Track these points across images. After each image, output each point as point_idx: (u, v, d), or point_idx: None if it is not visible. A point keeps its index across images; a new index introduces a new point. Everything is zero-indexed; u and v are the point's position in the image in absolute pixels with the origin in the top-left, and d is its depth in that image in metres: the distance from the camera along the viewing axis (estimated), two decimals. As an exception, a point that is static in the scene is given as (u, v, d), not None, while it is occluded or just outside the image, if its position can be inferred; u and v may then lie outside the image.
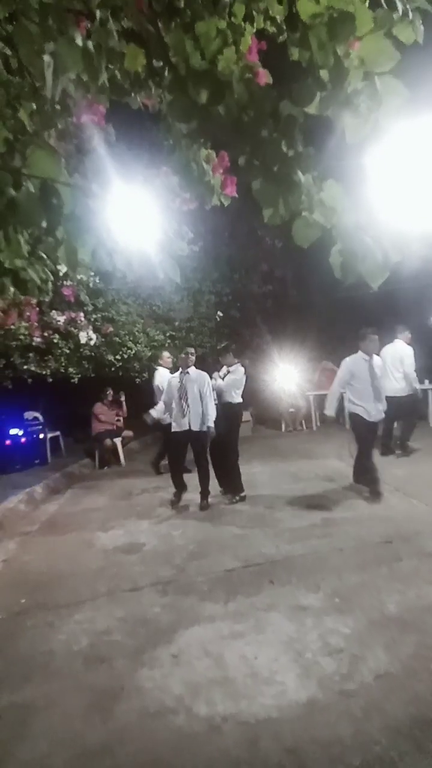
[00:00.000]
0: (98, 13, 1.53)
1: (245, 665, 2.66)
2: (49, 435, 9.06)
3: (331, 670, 2.55)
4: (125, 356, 8.59)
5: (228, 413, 5.90)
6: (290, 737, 2.13)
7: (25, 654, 2.96)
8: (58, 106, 2.35)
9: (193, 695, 2.46)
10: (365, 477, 5.60)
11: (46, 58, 1.46)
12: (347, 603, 3.19)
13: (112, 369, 8.63)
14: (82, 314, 7.47)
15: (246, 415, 8.41)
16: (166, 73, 1.91)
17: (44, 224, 1.62)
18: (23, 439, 8.34)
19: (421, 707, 2.22)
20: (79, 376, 8.02)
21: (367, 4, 1.69)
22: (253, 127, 1.59)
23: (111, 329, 8.14)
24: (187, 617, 3.20)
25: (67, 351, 7.52)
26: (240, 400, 6.08)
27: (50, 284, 2.92)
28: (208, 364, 8.39)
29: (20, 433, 8.33)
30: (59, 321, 7.15)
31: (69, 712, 2.41)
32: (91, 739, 2.23)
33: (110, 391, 9.14)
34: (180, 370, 5.93)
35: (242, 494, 5.90)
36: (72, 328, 7.39)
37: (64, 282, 6.41)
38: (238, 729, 2.21)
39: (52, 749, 2.19)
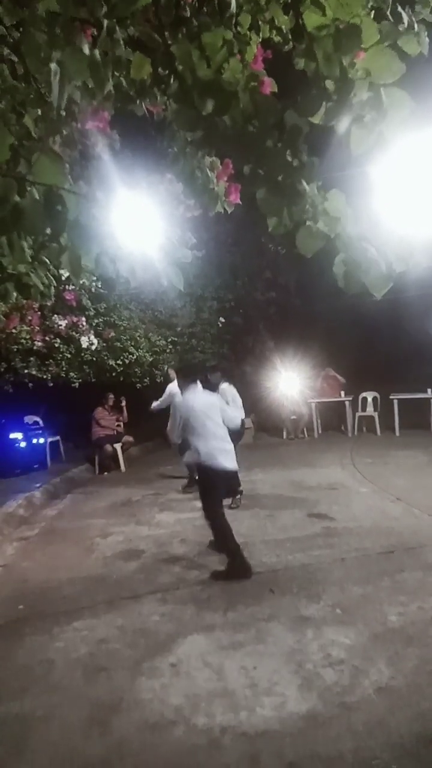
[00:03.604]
0: (105, 23, 1.53)
1: (245, 676, 2.63)
2: (49, 440, 9.05)
3: (332, 682, 2.52)
4: (126, 361, 8.59)
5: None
6: (291, 751, 2.10)
7: (23, 663, 2.93)
8: (63, 113, 2.36)
9: (192, 706, 2.43)
10: None
11: (53, 66, 1.46)
12: (349, 614, 3.16)
13: (113, 374, 8.62)
14: (83, 319, 7.49)
15: (247, 422, 8.35)
16: (171, 81, 1.91)
17: (48, 231, 1.62)
18: (23, 444, 8.32)
19: (426, 724, 2.18)
20: (80, 380, 8.01)
21: (372, 16, 1.70)
22: (258, 138, 1.59)
23: (112, 334, 8.15)
24: (186, 627, 3.17)
25: (69, 355, 7.52)
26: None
27: (52, 289, 2.92)
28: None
29: (20, 437, 8.31)
30: (61, 325, 7.16)
31: (68, 724, 2.38)
32: (90, 752, 2.20)
33: (111, 396, 9.13)
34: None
35: (240, 489, 5.82)
36: (73, 333, 7.40)
37: (66, 286, 6.41)
38: (238, 742, 2.18)
39: (51, 763, 2.16)
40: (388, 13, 1.80)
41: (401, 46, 1.79)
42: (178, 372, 4.90)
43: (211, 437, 4.12)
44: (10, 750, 2.26)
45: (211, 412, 4.26)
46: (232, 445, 4.29)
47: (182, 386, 4.53)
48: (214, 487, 4.12)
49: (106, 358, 8.21)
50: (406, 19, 1.80)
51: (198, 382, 4.46)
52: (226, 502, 5.54)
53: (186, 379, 4.52)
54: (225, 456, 4.12)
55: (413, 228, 1.82)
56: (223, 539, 4.01)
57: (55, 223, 1.51)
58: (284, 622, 3.13)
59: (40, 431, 8.88)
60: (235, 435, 5.63)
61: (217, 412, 4.32)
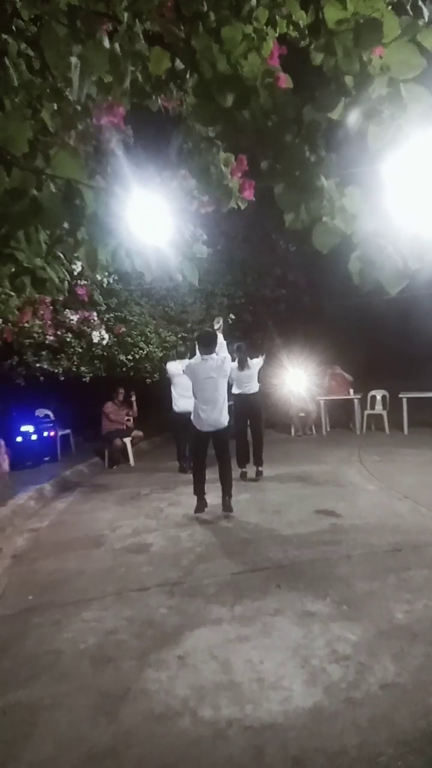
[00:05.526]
0: (125, 17, 1.53)
1: (251, 669, 2.65)
2: (60, 433, 9.11)
3: (338, 678, 2.53)
4: (137, 357, 8.61)
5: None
6: (296, 745, 2.11)
7: (32, 652, 2.97)
8: (79, 107, 2.36)
9: (198, 698, 2.46)
10: None
11: (73, 60, 1.47)
12: (355, 611, 3.17)
13: (124, 369, 8.66)
14: (95, 314, 7.51)
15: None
16: (188, 76, 1.91)
17: (66, 225, 1.63)
18: (34, 437, 8.39)
19: (431, 720, 2.19)
20: (91, 375, 8.06)
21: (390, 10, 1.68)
22: (276, 132, 1.59)
23: (123, 329, 8.17)
24: (193, 619, 3.20)
25: (80, 350, 7.55)
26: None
27: (66, 283, 2.93)
28: None
29: (31, 430, 8.38)
30: (72, 320, 7.19)
31: (75, 713, 2.41)
32: (96, 741, 2.23)
33: (121, 391, 9.17)
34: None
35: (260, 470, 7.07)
36: (85, 328, 7.42)
37: (78, 281, 6.44)
38: (244, 735, 2.20)
39: (58, 751, 2.19)
40: (408, 7, 1.79)
41: (420, 41, 1.78)
42: (197, 340, 5.62)
43: (208, 401, 5.25)
44: (18, 737, 2.29)
45: (212, 379, 5.25)
46: (224, 409, 5.38)
47: (201, 351, 5.46)
48: (197, 439, 5.50)
49: (116, 353, 8.24)
50: (426, 13, 1.79)
51: (210, 352, 5.39)
52: (251, 474, 7.04)
53: (204, 347, 5.41)
54: (206, 421, 5.30)
55: (428, 225, 1.81)
56: (194, 477, 5.50)
57: (74, 217, 1.53)
58: (291, 617, 3.14)
59: (51, 424, 8.94)
60: (257, 416, 7.49)
61: (218, 379, 5.28)
